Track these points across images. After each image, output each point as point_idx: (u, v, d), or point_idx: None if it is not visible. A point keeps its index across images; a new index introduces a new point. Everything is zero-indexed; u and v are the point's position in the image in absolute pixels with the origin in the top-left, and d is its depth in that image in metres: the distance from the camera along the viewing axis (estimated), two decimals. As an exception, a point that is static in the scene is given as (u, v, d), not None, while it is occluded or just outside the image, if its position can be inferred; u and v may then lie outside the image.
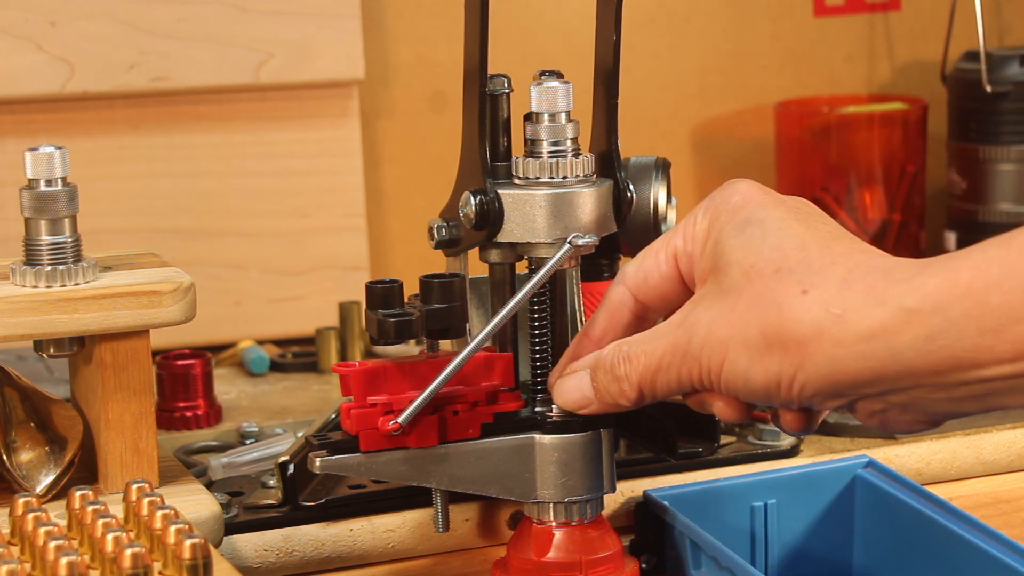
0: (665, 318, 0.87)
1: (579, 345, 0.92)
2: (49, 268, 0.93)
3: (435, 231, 1.01)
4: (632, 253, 1.07)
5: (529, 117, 0.97)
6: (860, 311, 0.76)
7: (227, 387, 1.30)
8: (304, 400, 1.26)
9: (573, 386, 0.90)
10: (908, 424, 0.79)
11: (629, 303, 0.90)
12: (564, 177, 0.96)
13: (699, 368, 0.82)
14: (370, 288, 0.94)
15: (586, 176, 0.97)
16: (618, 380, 0.87)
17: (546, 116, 0.96)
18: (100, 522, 0.83)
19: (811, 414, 0.84)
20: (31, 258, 0.94)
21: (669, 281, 0.88)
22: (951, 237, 1.54)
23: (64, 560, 0.77)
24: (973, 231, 1.51)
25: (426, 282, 0.94)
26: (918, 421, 0.79)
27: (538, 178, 0.97)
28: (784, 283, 0.79)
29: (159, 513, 0.84)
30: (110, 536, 0.81)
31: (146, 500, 0.87)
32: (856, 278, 0.77)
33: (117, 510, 0.88)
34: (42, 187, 0.93)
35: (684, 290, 0.88)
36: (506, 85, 1.00)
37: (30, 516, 0.85)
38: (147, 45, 1.38)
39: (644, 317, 0.90)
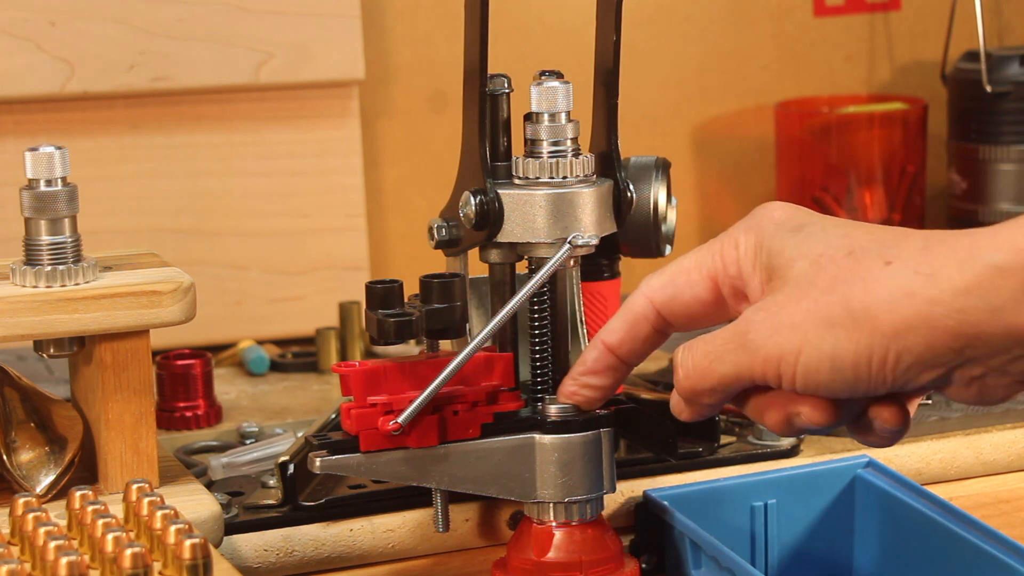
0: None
1: (595, 351, 0.90)
2: (49, 268, 0.93)
3: (435, 231, 1.01)
4: (632, 253, 1.07)
5: (529, 117, 0.97)
6: (951, 268, 0.74)
7: (227, 387, 1.30)
8: (304, 400, 1.26)
9: (674, 393, 0.86)
10: (1006, 389, 0.77)
11: (651, 317, 0.87)
12: (564, 177, 0.96)
13: (763, 359, 0.78)
14: (370, 288, 0.94)
15: (586, 176, 0.97)
16: (676, 368, 0.83)
17: (546, 116, 0.96)
18: (100, 522, 0.83)
19: (903, 406, 0.80)
20: (31, 258, 0.94)
21: (702, 303, 0.85)
22: (951, 237, 1.54)
23: (64, 560, 0.77)
24: (973, 231, 1.51)
25: (426, 282, 0.94)
26: (1016, 383, 0.76)
27: (538, 178, 0.97)
28: (863, 260, 0.76)
29: (159, 513, 0.84)
30: (110, 536, 0.81)
31: (146, 500, 0.87)
32: (936, 242, 0.75)
33: (117, 510, 0.88)
34: (42, 187, 0.93)
35: (716, 312, 0.86)
36: (506, 85, 1.00)
37: (30, 516, 0.85)
38: (147, 45, 1.38)
39: (664, 332, 0.88)
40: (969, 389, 0.77)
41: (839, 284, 0.77)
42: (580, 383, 0.91)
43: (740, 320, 0.80)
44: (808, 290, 0.77)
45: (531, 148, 0.97)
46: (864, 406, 0.81)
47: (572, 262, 0.98)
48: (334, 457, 0.91)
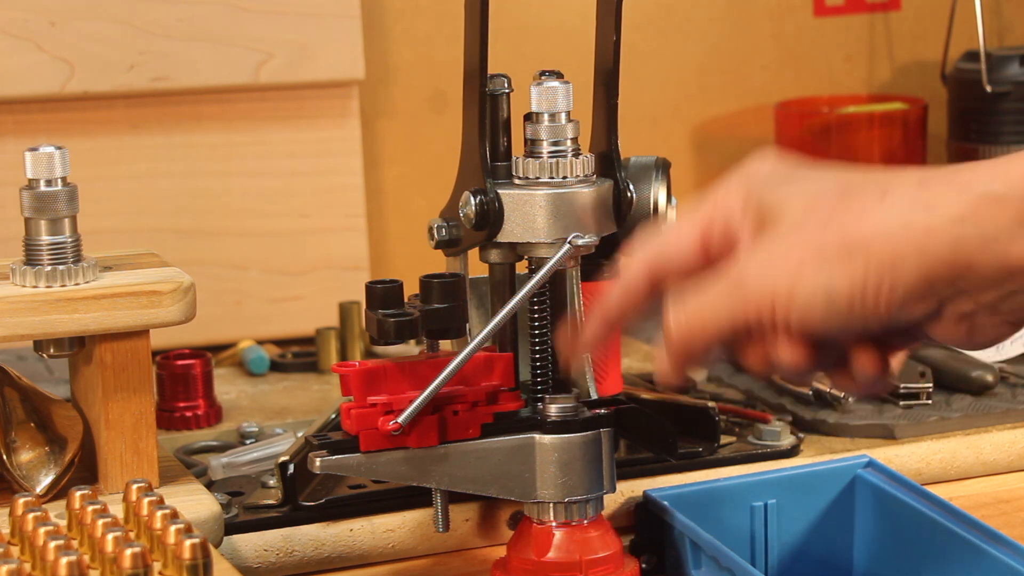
0: None
1: (593, 321, 0.88)
2: (49, 268, 0.93)
3: (435, 231, 1.01)
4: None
5: (529, 117, 0.97)
6: (947, 197, 0.73)
7: (227, 387, 1.30)
8: (304, 400, 1.26)
9: (659, 358, 0.84)
10: (995, 329, 0.76)
11: (643, 279, 0.85)
12: (564, 177, 0.97)
13: (756, 298, 0.77)
14: (370, 288, 0.94)
15: (586, 176, 0.97)
16: (667, 324, 0.81)
17: (546, 116, 0.96)
18: (100, 522, 0.83)
19: (884, 355, 0.80)
20: (31, 258, 0.94)
21: (689, 253, 0.84)
22: (951, 237, 1.54)
23: (64, 560, 0.77)
24: (973, 231, 1.51)
25: (426, 282, 0.94)
26: (1005, 323, 0.76)
27: (538, 178, 0.97)
28: (857, 196, 0.76)
29: (159, 513, 0.84)
30: (110, 536, 0.81)
31: (146, 500, 0.87)
32: (933, 175, 0.75)
33: (117, 510, 0.88)
34: (42, 187, 0.93)
35: (704, 262, 0.84)
36: (506, 85, 1.00)
37: (30, 516, 0.85)
38: (147, 45, 1.38)
39: (656, 296, 0.85)
40: (959, 327, 0.77)
41: (834, 219, 0.76)
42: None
43: (733, 267, 0.79)
44: (802, 228, 0.77)
45: (531, 148, 0.97)
46: (844, 352, 0.81)
47: (572, 262, 0.98)
48: (334, 457, 0.91)
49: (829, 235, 0.76)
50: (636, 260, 0.86)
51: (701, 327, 0.80)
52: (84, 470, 0.97)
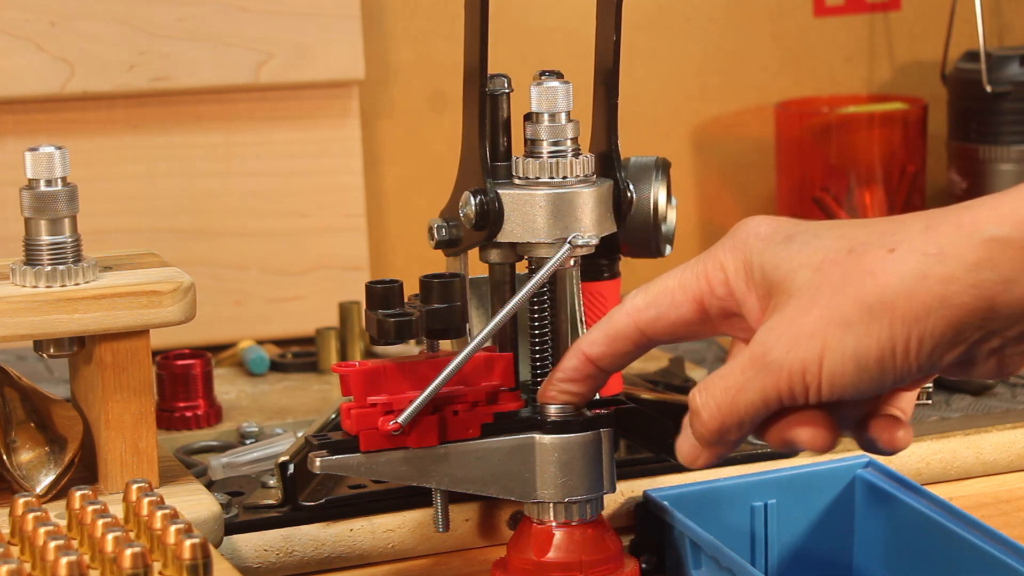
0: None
1: (574, 359, 0.89)
2: (49, 268, 0.93)
3: (435, 231, 1.01)
4: (632, 253, 1.07)
5: (529, 117, 0.97)
6: (957, 244, 0.73)
7: (227, 387, 1.30)
8: (304, 400, 1.26)
9: (683, 440, 0.85)
10: (1023, 356, 0.77)
11: (633, 336, 0.86)
12: (564, 177, 0.97)
13: (787, 375, 0.77)
14: (370, 288, 0.94)
15: (586, 176, 0.97)
16: (697, 412, 0.81)
17: (546, 116, 0.96)
18: (100, 522, 0.83)
19: (906, 423, 0.80)
20: (31, 258, 0.94)
21: (687, 323, 0.84)
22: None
23: (64, 560, 0.77)
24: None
25: (426, 282, 0.94)
26: None
27: (538, 178, 0.97)
28: (865, 255, 0.76)
29: (159, 513, 0.84)
30: (110, 536, 0.81)
31: (146, 500, 0.87)
32: (937, 221, 0.75)
33: (117, 510, 0.88)
34: (42, 187, 0.93)
35: (701, 330, 0.85)
36: (506, 85, 1.00)
37: (30, 516, 0.85)
38: (147, 45, 1.38)
39: (645, 347, 0.87)
40: (988, 363, 0.77)
41: (848, 283, 0.76)
42: (559, 388, 0.91)
43: (754, 344, 0.79)
44: (817, 296, 0.77)
45: (531, 148, 0.97)
46: (864, 417, 0.81)
47: (572, 262, 0.98)
48: (334, 457, 0.91)
49: (847, 299, 0.76)
50: (626, 314, 0.86)
51: (733, 410, 0.80)
52: (84, 470, 0.97)
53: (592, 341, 0.88)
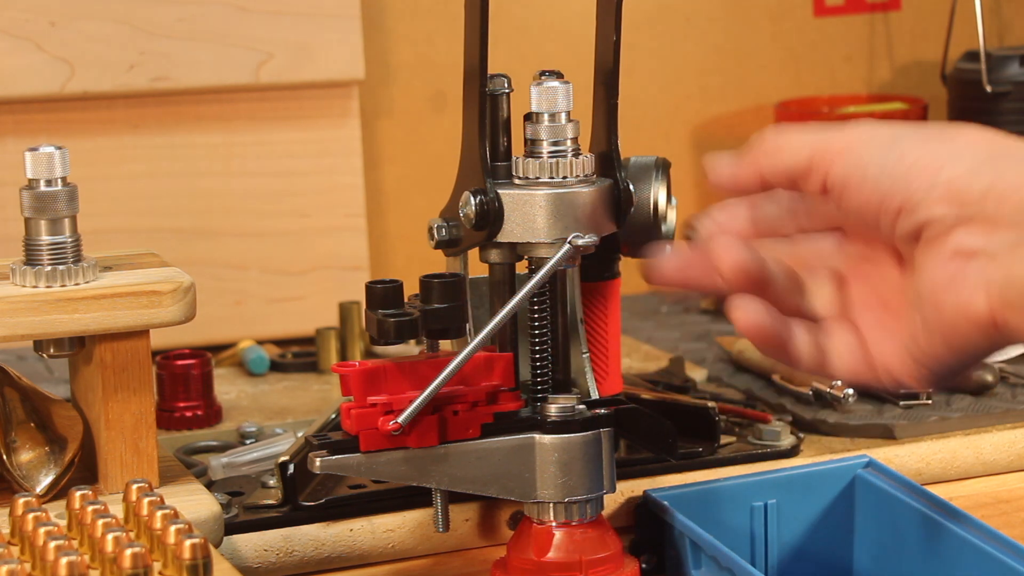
0: None
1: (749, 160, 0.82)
2: (49, 268, 0.93)
3: (435, 231, 1.01)
4: (632, 253, 1.07)
5: (529, 117, 0.97)
6: None
7: (227, 387, 1.30)
8: (304, 400, 1.26)
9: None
10: None
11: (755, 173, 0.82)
12: (564, 177, 0.96)
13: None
14: (370, 288, 0.94)
15: (586, 176, 0.97)
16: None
17: (546, 116, 0.96)
18: (100, 522, 0.83)
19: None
20: (31, 258, 0.94)
21: (796, 169, 0.83)
22: (951, 237, 1.54)
23: (64, 560, 0.77)
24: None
25: (426, 282, 0.94)
26: None
27: (538, 178, 0.97)
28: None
29: (159, 513, 0.84)
30: (110, 536, 0.81)
31: (146, 500, 0.87)
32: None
33: (117, 510, 0.88)
34: (42, 187, 0.93)
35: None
36: (506, 85, 1.00)
37: (30, 516, 0.85)
38: (147, 45, 1.38)
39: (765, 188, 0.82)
40: None
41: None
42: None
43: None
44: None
45: (531, 148, 0.97)
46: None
47: (572, 262, 0.98)
48: (334, 457, 0.91)
49: None
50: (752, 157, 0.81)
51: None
52: (84, 470, 0.97)
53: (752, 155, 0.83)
